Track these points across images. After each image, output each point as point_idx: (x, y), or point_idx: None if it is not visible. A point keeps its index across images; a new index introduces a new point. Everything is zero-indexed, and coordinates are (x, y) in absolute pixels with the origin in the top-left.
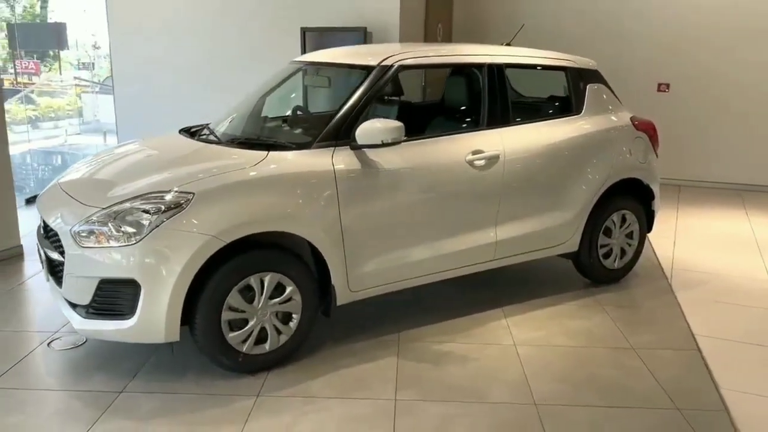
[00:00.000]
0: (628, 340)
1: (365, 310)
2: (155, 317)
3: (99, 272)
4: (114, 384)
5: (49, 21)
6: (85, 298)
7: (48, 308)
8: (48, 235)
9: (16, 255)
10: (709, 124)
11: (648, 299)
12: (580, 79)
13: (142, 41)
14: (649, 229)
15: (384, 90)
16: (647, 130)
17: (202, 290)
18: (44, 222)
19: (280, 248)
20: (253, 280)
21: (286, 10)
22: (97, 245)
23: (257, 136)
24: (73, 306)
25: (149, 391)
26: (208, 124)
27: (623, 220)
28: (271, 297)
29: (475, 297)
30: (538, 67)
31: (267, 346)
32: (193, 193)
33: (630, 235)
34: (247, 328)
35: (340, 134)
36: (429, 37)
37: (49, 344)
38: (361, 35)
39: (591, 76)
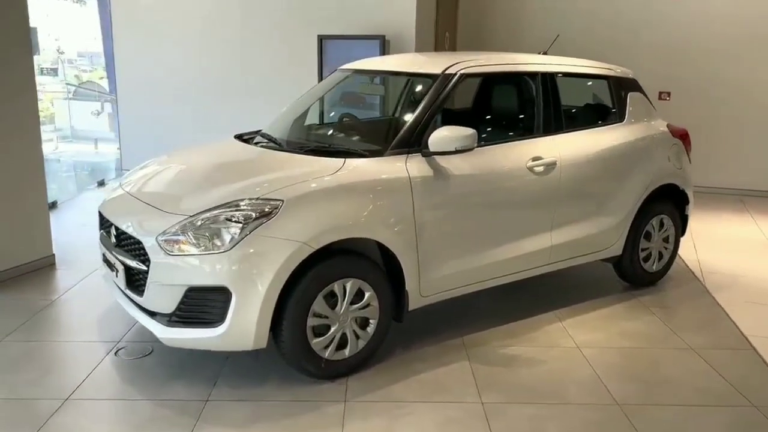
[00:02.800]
0: (684, 340)
1: (423, 315)
2: (246, 324)
3: (187, 280)
4: (197, 392)
5: None
6: (170, 307)
7: (101, 317)
8: (121, 243)
9: (48, 265)
10: (709, 131)
11: (688, 301)
12: (621, 87)
13: (149, 52)
14: (683, 232)
15: (449, 98)
16: (682, 136)
17: (289, 297)
18: (116, 229)
19: (358, 255)
20: (336, 286)
21: (302, 18)
22: (185, 253)
23: (328, 143)
24: (152, 314)
25: (236, 398)
26: (259, 131)
27: (661, 224)
28: (352, 303)
29: (522, 302)
30: (585, 76)
31: (347, 352)
32: (282, 200)
33: (666, 239)
34: (329, 333)
35: (412, 141)
36: (438, 46)
37: (116, 353)
38: (380, 43)
39: (631, 84)
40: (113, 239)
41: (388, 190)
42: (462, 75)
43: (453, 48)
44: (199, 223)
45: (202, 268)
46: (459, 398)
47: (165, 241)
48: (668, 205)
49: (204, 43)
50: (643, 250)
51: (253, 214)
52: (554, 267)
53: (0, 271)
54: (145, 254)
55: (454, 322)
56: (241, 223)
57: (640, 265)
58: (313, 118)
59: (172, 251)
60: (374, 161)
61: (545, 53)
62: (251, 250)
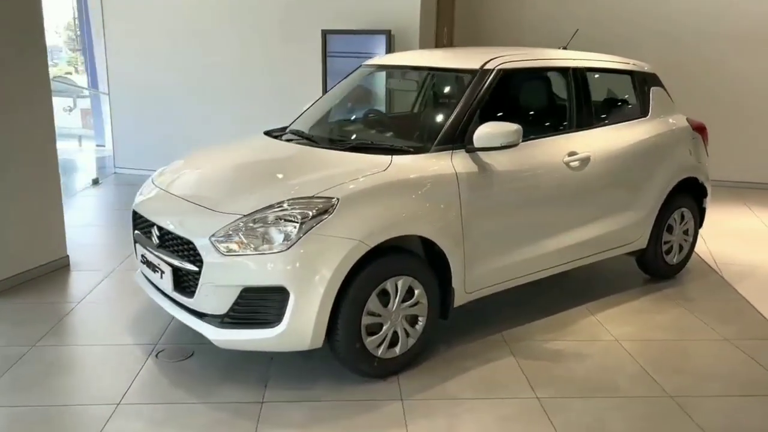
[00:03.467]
0: (716, 331)
1: (459, 313)
2: (304, 324)
3: (243, 280)
4: (250, 394)
5: None
6: (222, 308)
7: (132, 320)
8: (165, 244)
9: (63, 266)
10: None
11: (711, 292)
12: (644, 82)
13: (144, 47)
14: (701, 225)
15: (488, 93)
16: (700, 130)
17: (344, 296)
18: (160, 229)
19: (408, 252)
20: (389, 284)
21: (304, 11)
22: (241, 253)
23: (369, 140)
24: (201, 316)
25: (291, 400)
26: (286, 127)
27: (682, 217)
28: (403, 301)
29: (551, 296)
30: (611, 71)
31: (397, 350)
32: (338, 198)
33: (686, 232)
34: (382, 332)
35: (455, 137)
36: (438, 41)
37: (156, 356)
38: (386, 38)
39: (653, 79)
40: (155, 239)
41: (436, 186)
42: (500, 70)
43: (450, 43)
44: (254, 222)
45: (258, 268)
46: (514, 394)
47: (219, 241)
48: (688, 198)
49: (201, 38)
50: (665, 243)
51: (310, 213)
52: (586, 261)
53: (17, 274)
54: (196, 255)
55: (490, 318)
56: (298, 221)
57: (662, 257)
58: (340, 115)
59: (226, 251)
60: (420, 158)
61: (565, 48)
62: (309, 249)
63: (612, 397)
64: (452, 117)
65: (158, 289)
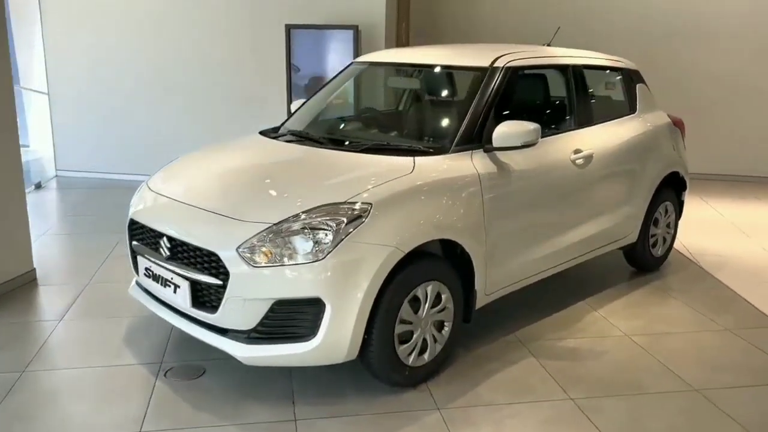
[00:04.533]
0: (716, 322)
1: None
2: (341, 336)
3: (274, 293)
4: (280, 412)
5: None
6: (250, 323)
7: (126, 337)
8: (178, 256)
9: (30, 281)
10: None
11: (697, 283)
12: (631, 79)
13: (89, 41)
14: (679, 217)
15: (500, 92)
16: (679, 125)
17: (378, 304)
18: (171, 240)
19: (436, 257)
20: (419, 290)
21: (267, 5)
22: (272, 264)
23: (385, 141)
24: (223, 332)
25: (325, 416)
26: (278, 127)
27: (666, 210)
28: (431, 306)
29: (549, 294)
30: (603, 68)
31: (426, 357)
32: (371, 204)
33: (668, 225)
34: (413, 340)
35: (473, 137)
36: (399, 38)
37: (165, 375)
38: (353, 34)
39: (637, 76)
40: (164, 251)
41: (461, 188)
42: (508, 68)
43: (407, 40)
44: (285, 231)
45: (292, 280)
46: (547, 396)
47: (247, 252)
48: (671, 191)
49: (152, 32)
50: (652, 236)
51: (344, 219)
52: (588, 257)
53: None
54: (220, 267)
55: (498, 319)
56: (332, 229)
57: (650, 250)
58: (339, 114)
59: (256, 263)
60: (441, 159)
61: (549, 45)
62: (345, 258)
63: (640, 394)
64: (468, 116)
65: (164, 304)
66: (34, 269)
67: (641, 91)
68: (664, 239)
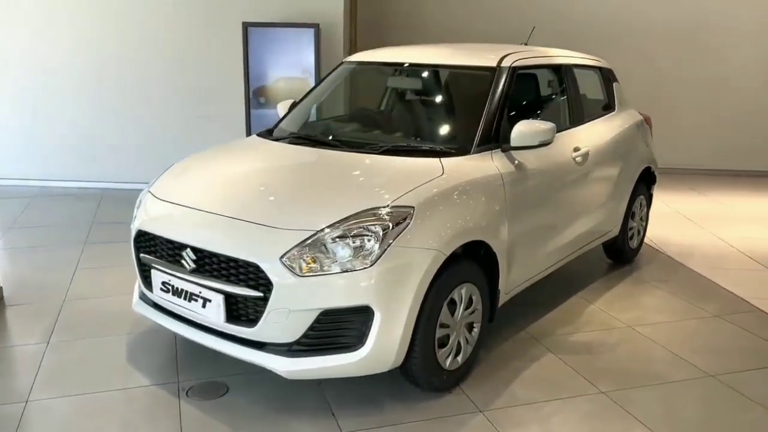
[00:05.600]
0: (704, 309)
1: None
2: (389, 344)
3: (322, 303)
4: (326, 427)
5: None
6: (293, 335)
7: (128, 356)
8: (205, 267)
9: None
10: None
11: (671, 272)
12: (609, 78)
13: (19, 36)
14: (649, 210)
15: (510, 91)
16: (648, 122)
17: (422, 309)
18: (197, 252)
19: (468, 259)
20: (456, 293)
21: (220, 2)
22: (319, 273)
23: (405, 142)
24: (259, 345)
25: (372, 426)
26: (272, 129)
27: (640, 204)
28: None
29: (544, 290)
30: (586, 68)
31: (460, 359)
32: (413, 207)
33: (641, 218)
34: (450, 343)
35: (491, 137)
36: (352, 38)
37: (187, 395)
38: (314, 32)
39: (613, 75)
40: (188, 264)
41: (488, 188)
42: (514, 68)
43: (354, 39)
44: (330, 238)
45: (340, 288)
46: (579, 391)
47: (292, 261)
48: (643, 186)
49: (96, 27)
50: (629, 229)
51: (390, 224)
52: (582, 251)
53: None
54: (259, 279)
55: (502, 317)
56: (379, 234)
57: (627, 243)
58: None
59: (301, 272)
60: (465, 160)
61: (526, 44)
62: (393, 263)
63: (664, 383)
64: (485, 116)
65: (183, 319)
66: (1, 288)
67: (617, 90)
68: (639, 231)
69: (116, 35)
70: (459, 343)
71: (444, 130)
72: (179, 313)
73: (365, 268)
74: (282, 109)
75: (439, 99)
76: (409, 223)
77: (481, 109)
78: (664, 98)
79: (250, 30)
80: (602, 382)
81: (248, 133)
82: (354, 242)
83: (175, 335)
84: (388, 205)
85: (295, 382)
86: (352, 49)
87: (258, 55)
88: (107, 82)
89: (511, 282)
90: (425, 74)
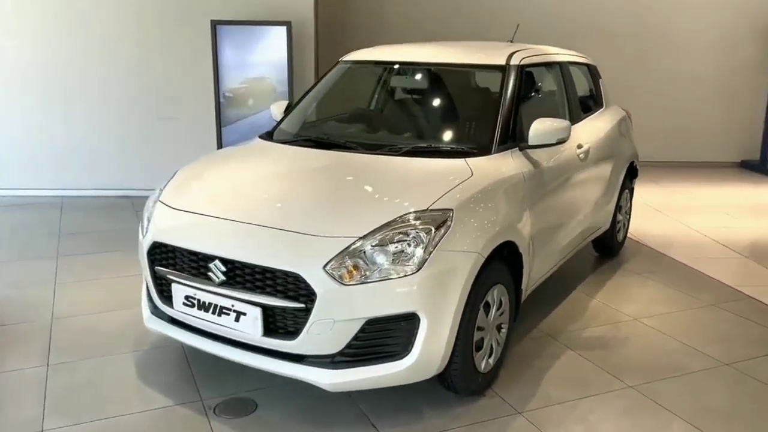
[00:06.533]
0: (699, 299)
1: None
2: (435, 350)
3: (367, 311)
4: None
5: None
6: (337, 346)
7: (140, 375)
8: (237, 279)
9: None
10: None
11: (657, 263)
12: (596, 75)
13: None
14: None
15: (521, 90)
16: (629, 117)
17: (463, 313)
18: (226, 263)
19: (498, 260)
20: (489, 295)
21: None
22: (364, 281)
23: (426, 144)
24: (298, 359)
25: None
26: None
27: (626, 198)
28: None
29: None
30: (579, 65)
31: (491, 361)
32: (452, 209)
33: (626, 211)
34: (485, 346)
35: (509, 136)
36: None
37: (215, 413)
38: (287, 30)
39: (597, 71)
40: (217, 276)
41: (513, 188)
42: (522, 66)
43: (316, 35)
44: (374, 244)
45: (386, 295)
46: (607, 387)
47: (336, 269)
48: (628, 179)
49: (50, 26)
50: (617, 222)
51: (432, 228)
52: (581, 246)
53: None
54: (300, 289)
55: None
56: (423, 239)
57: (615, 236)
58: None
59: (346, 281)
60: (489, 160)
61: (511, 42)
62: (439, 268)
63: (685, 374)
64: (503, 115)
65: (207, 335)
66: None
67: (603, 86)
68: (624, 225)
69: (75, 34)
70: (491, 345)
71: (463, 130)
72: (205, 328)
73: (411, 274)
74: (276, 110)
75: (451, 98)
76: (450, 226)
77: (496, 108)
78: (619, 93)
79: (219, 28)
80: (627, 377)
81: (219, 136)
82: (396, 248)
83: (184, 350)
84: (427, 209)
85: (325, 394)
86: (317, 48)
87: (229, 54)
88: (67, 82)
89: (530, 281)
90: (434, 74)
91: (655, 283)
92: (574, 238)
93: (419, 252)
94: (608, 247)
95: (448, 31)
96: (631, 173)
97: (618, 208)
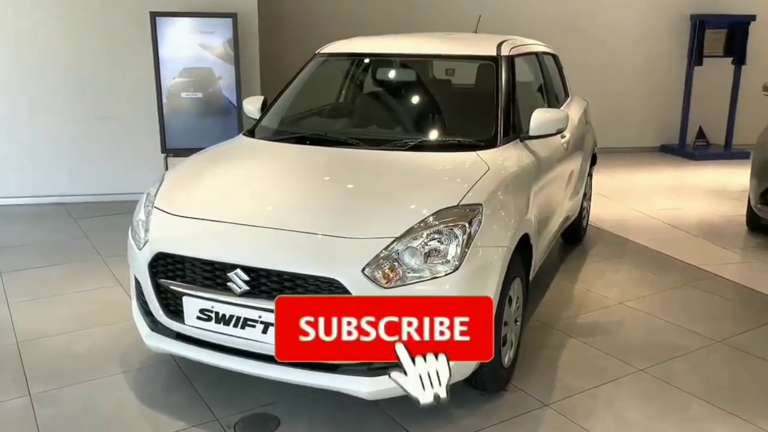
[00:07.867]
0: (672, 279)
1: None
2: None
3: None
4: None
5: None
6: None
7: (142, 397)
8: (262, 289)
9: None
10: None
11: (623, 247)
12: (560, 65)
13: None
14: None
15: (513, 80)
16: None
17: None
18: (249, 271)
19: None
20: (511, 289)
21: None
22: (403, 282)
23: (433, 138)
24: (331, 369)
25: None
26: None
27: (590, 185)
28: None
29: None
30: (548, 54)
31: (511, 355)
32: (481, 204)
33: (589, 197)
34: (508, 341)
35: (509, 127)
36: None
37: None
38: (232, 22)
39: (560, 61)
40: (239, 286)
41: (522, 179)
42: (510, 56)
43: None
44: (410, 244)
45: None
46: (620, 372)
47: (374, 272)
48: (590, 167)
49: None
50: (583, 209)
51: (466, 224)
52: (558, 235)
53: None
54: (336, 294)
55: None
56: (459, 236)
57: (582, 223)
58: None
59: (386, 284)
60: (497, 152)
61: (475, 32)
62: (475, 265)
63: (685, 354)
64: (502, 107)
65: (223, 349)
66: None
67: (565, 76)
68: (587, 211)
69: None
70: (511, 339)
71: (467, 122)
72: (224, 343)
73: (449, 273)
74: (251, 106)
75: (445, 90)
76: (481, 220)
77: (493, 100)
78: None
79: (158, 20)
80: (634, 360)
81: (162, 133)
82: (431, 246)
83: (180, 367)
84: (458, 205)
85: (348, 401)
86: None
87: (169, 47)
88: None
89: (533, 272)
90: (423, 65)
91: (626, 267)
92: (559, 227)
93: (456, 250)
94: (575, 233)
95: (395, 22)
96: (592, 161)
97: (584, 195)
